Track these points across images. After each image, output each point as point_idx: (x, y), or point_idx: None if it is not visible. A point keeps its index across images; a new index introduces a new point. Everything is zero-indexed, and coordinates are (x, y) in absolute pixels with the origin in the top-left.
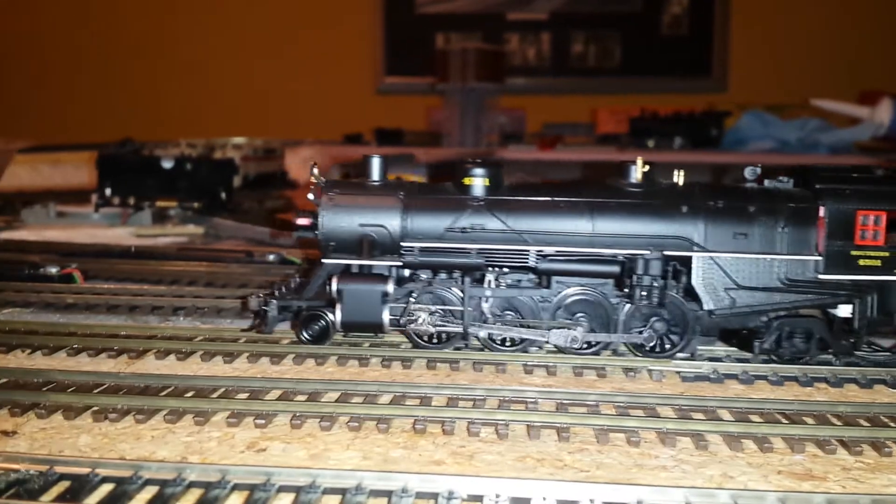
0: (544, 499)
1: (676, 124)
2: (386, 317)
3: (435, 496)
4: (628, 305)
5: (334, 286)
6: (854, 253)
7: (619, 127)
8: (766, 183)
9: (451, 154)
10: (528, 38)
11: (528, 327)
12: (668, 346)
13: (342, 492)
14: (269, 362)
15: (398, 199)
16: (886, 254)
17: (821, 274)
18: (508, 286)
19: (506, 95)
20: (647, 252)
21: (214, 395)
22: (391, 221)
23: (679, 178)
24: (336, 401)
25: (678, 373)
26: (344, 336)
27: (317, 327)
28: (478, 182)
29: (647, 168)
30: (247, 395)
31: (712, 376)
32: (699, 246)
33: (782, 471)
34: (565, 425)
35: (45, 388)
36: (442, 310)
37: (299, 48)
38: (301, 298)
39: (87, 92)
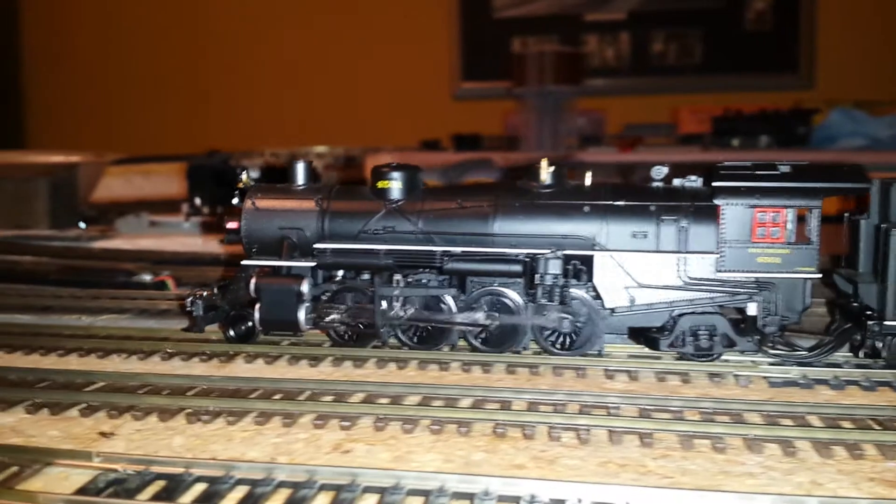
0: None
1: (762, 123)
2: (302, 315)
3: (517, 499)
4: (531, 304)
5: (252, 286)
6: (752, 250)
7: (701, 126)
8: (675, 182)
9: (529, 158)
10: (606, 39)
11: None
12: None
13: (425, 493)
14: (353, 366)
15: (315, 203)
16: (786, 251)
17: (719, 272)
18: (417, 286)
19: (584, 97)
20: (548, 252)
21: (301, 398)
22: (308, 224)
23: (587, 178)
24: (418, 404)
25: (766, 378)
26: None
27: (242, 327)
28: (393, 185)
29: (553, 169)
30: (332, 397)
31: (801, 382)
32: (600, 245)
33: (874, 478)
34: (648, 431)
35: (140, 391)
36: (353, 308)
37: (377, 57)
38: (225, 299)
39: (175, 105)
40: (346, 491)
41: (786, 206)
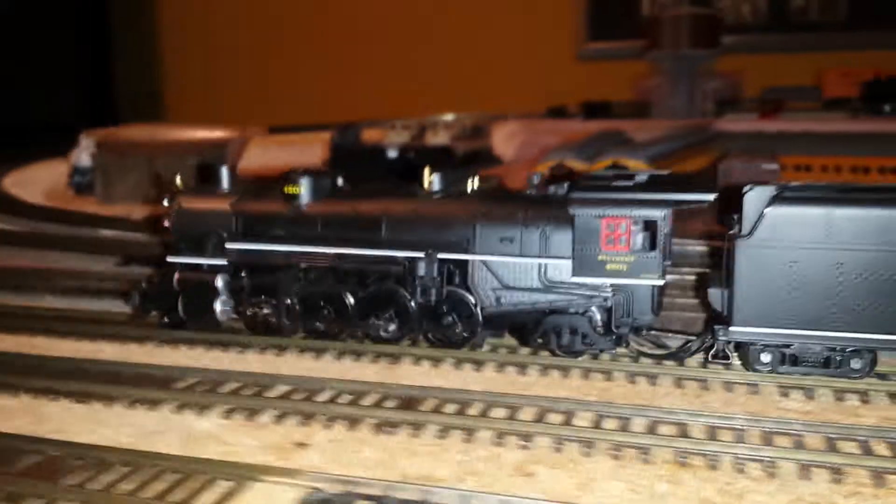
0: None
1: None
2: (218, 307)
3: None
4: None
5: (175, 280)
6: (601, 258)
7: (849, 90)
8: (549, 189)
9: (664, 128)
10: None
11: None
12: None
13: None
14: (517, 373)
15: (230, 206)
16: (631, 258)
17: (574, 276)
18: (316, 283)
19: (719, 57)
20: (423, 255)
21: (474, 412)
22: (224, 225)
23: (472, 184)
24: (593, 425)
25: None
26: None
27: (175, 316)
28: (301, 190)
29: (434, 177)
30: (505, 411)
31: None
32: (472, 250)
33: None
34: (837, 465)
35: (326, 401)
36: (263, 303)
37: (498, 17)
38: (156, 291)
39: (308, 74)
40: None
41: (630, 217)
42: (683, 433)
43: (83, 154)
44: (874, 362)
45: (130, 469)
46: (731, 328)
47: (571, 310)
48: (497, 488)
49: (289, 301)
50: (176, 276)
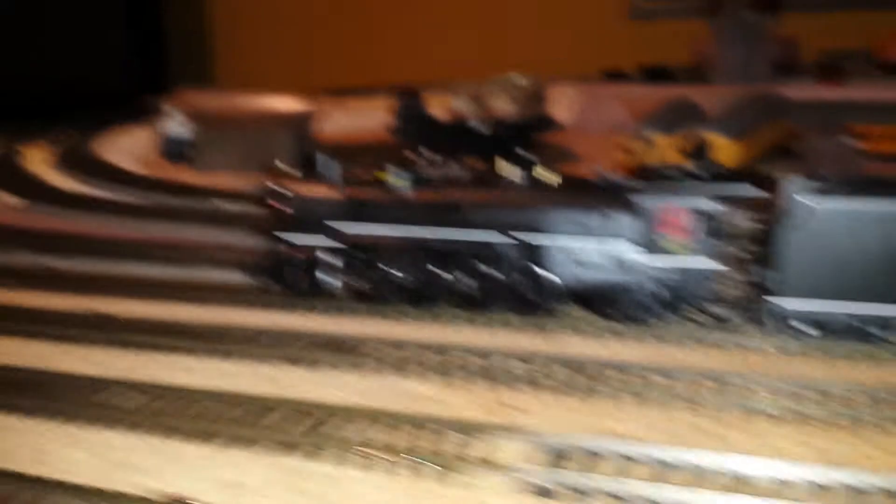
0: None
1: None
2: (330, 280)
3: None
4: None
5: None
6: (664, 243)
7: None
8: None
9: (729, 95)
10: None
11: None
12: None
13: None
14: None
15: (339, 194)
16: (692, 244)
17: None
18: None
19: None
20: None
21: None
22: (334, 210)
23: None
24: None
25: None
26: None
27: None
28: (402, 182)
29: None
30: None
31: None
32: (550, 233)
33: None
34: None
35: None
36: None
37: None
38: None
39: (358, 36)
40: None
41: (691, 208)
42: None
43: (174, 124)
44: None
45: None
46: (778, 300)
47: (639, 286)
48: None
49: (391, 275)
50: (293, 252)
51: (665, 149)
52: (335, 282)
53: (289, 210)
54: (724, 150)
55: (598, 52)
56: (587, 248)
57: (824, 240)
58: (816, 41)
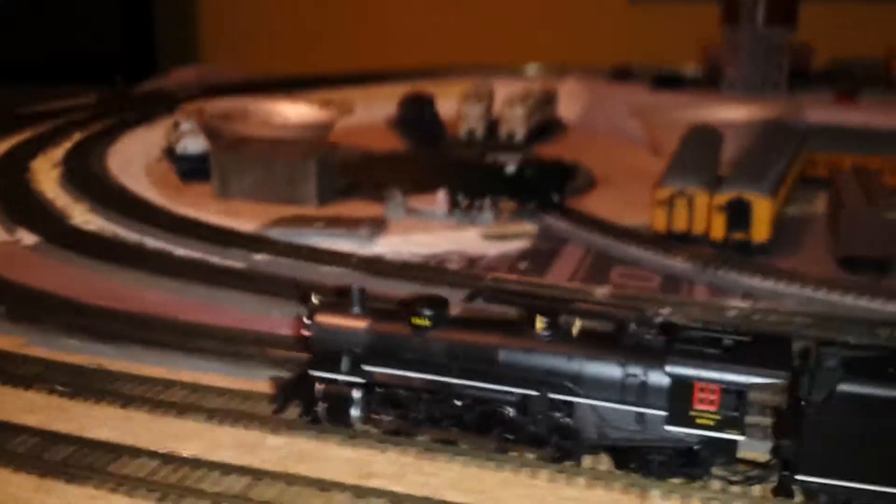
0: None
1: None
2: (353, 413)
3: None
4: None
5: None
6: (692, 413)
7: None
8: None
9: (748, 114)
10: None
11: None
12: None
13: None
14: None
15: (364, 328)
16: (719, 416)
17: (666, 426)
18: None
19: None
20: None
21: None
22: (359, 344)
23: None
24: None
25: None
26: None
27: (315, 415)
28: (426, 322)
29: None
30: None
31: None
32: (576, 392)
33: None
34: None
35: None
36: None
37: None
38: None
39: (348, 20)
40: None
41: (720, 383)
42: None
43: (187, 140)
44: None
45: None
46: (798, 476)
47: (663, 448)
48: None
49: (415, 414)
50: (317, 386)
51: (705, 208)
52: (358, 414)
53: (310, 338)
54: (764, 210)
55: (599, 37)
56: (618, 410)
57: (846, 421)
58: (833, 46)
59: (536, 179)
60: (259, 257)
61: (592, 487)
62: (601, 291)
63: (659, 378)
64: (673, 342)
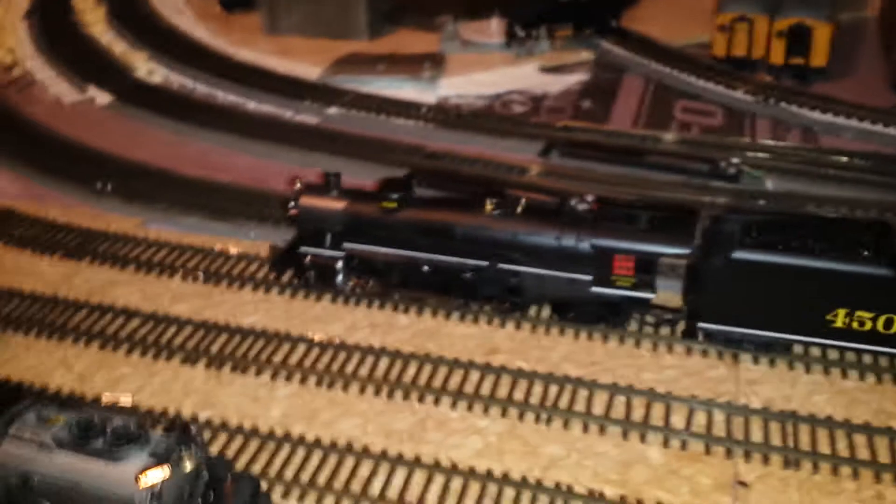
0: None
1: None
2: (338, 279)
3: None
4: None
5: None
6: (612, 277)
7: None
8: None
9: None
10: None
11: None
12: None
13: None
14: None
15: (342, 208)
16: (634, 279)
17: (591, 287)
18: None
19: None
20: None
21: None
22: (339, 222)
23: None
24: None
25: None
26: None
27: (306, 281)
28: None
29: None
30: None
31: None
32: (519, 261)
33: None
34: None
35: None
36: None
37: None
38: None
39: None
40: None
41: (634, 255)
42: None
43: None
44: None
45: None
46: (700, 323)
47: (593, 304)
48: None
49: (389, 280)
50: (307, 258)
51: (765, 33)
52: (342, 280)
53: (297, 217)
54: (825, 36)
55: None
56: (553, 276)
57: (738, 282)
58: None
59: (593, 3)
60: (331, 111)
61: (690, 356)
62: (668, 137)
63: (586, 248)
64: (599, 218)
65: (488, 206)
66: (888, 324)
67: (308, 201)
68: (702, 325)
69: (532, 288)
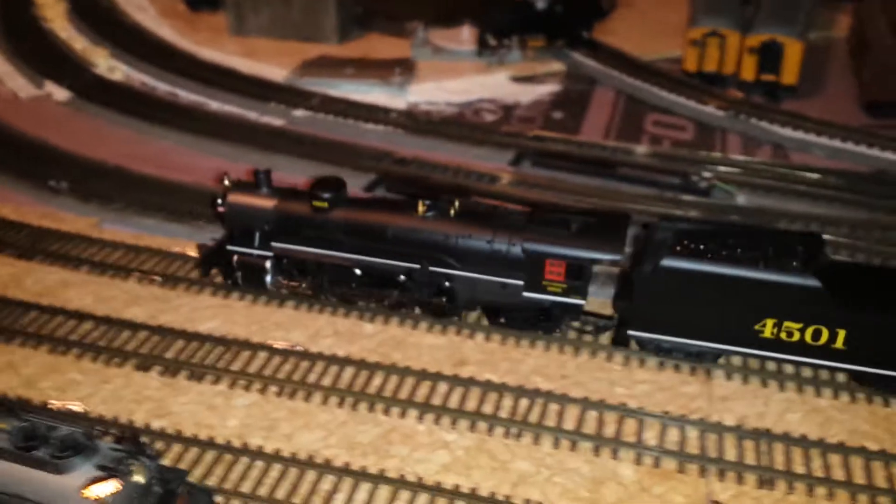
0: None
1: None
2: (267, 280)
3: None
4: None
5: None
6: (544, 283)
7: None
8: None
9: None
10: None
11: None
12: None
13: None
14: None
15: (272, 207)
16: (565, 286)
17: (523, 293)
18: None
19: None
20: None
21: None
22: (268, 221)
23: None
24: None
25: None
26: None
27: (235, 281)
28: (326, 204)
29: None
30: None
31: None
32: (452, 265)
33: None
34: None
35: None
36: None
37: None
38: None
39: None
40: None
41: (565, 261)
42: None
43: None
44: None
45: None
46: (629, 331)
47: (524, 309)
48: None
49: (319, 280)
50: (235, 258)
51: (736, 49)
52: (271, 281)
53: (229, 216)
54: (796, 53)
55: None
56: (485, 280)
57: (668, 290)
58: None
59: (566, 15)
60: (298, 113)
61: (662, 370)
62: (640, 150)
63: (518, 253)
64: (531, 223)
65: (421, 208)
66: (816, 335)
67: (236, 198)
68: (632, 332)
69: (465, 291)
